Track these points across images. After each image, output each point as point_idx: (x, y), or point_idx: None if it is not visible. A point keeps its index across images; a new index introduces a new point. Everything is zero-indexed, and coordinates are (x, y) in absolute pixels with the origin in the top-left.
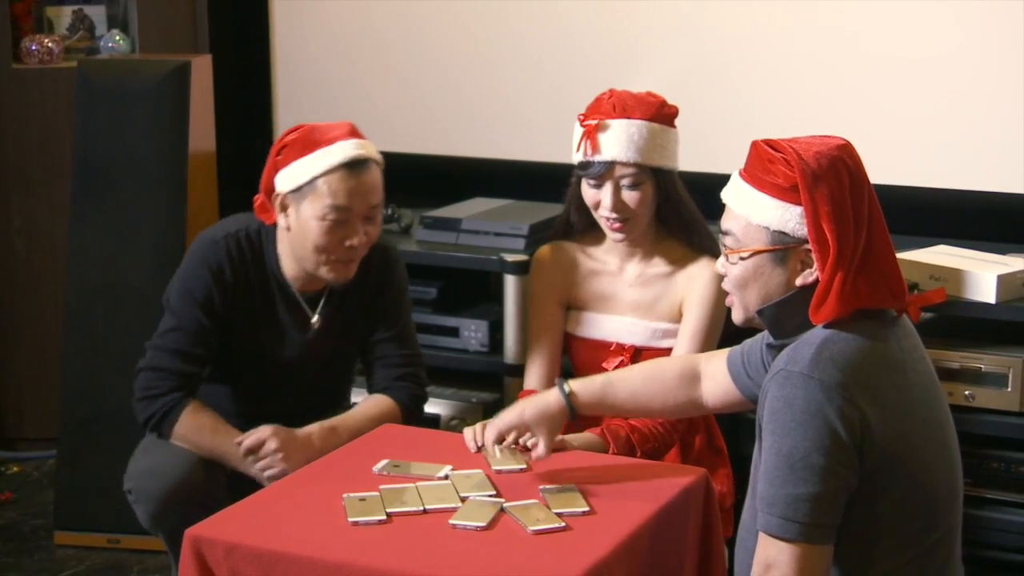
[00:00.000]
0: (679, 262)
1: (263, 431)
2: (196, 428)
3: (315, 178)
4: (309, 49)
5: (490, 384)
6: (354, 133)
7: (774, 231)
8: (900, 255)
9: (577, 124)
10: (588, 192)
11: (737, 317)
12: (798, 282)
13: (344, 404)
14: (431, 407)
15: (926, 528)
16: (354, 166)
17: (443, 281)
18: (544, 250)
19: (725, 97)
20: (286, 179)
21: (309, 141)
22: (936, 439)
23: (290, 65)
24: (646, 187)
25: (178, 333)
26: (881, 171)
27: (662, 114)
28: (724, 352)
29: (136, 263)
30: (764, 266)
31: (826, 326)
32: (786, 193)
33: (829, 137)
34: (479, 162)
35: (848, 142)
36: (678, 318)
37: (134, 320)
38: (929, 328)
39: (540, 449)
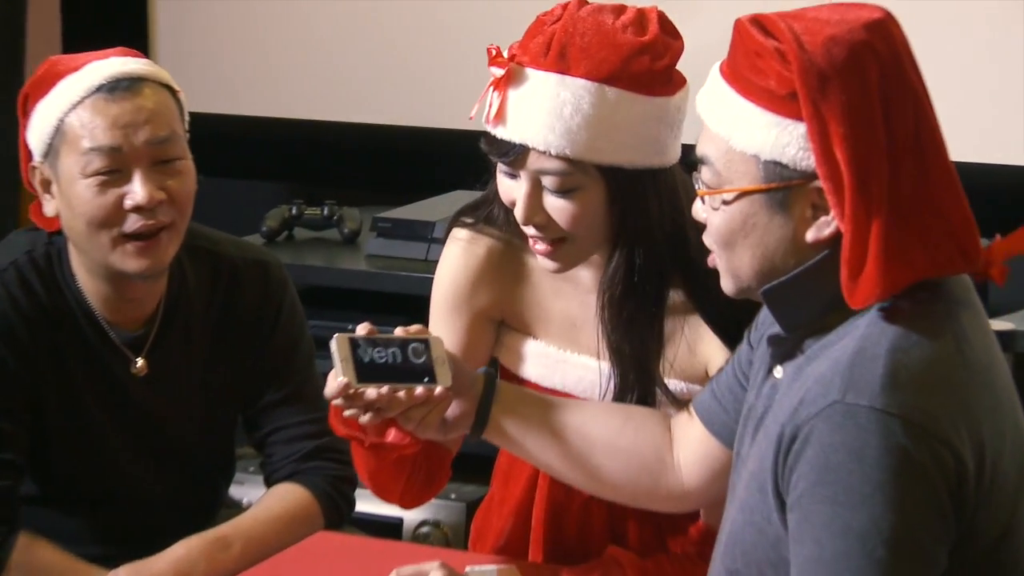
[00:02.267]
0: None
1: None
2: (36, 574)
3: (62, 119)
4: None
5: (479, 470)
6: (124, 53)
7: (767, 161)
8: None
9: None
10: (502, 181)
11: (727, 286)
12: (809, 236)
13: (221, 500)
14: (393, 510)
15: None
16: (115, 88)
17: (407, 316)
18: (467, 235)
19: None
20: (35, 138)
21: (52, 75)
22: (1020, 460)
23: None
24: (585, 195)
25: None
26: None
27: (634, 70)
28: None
29: None
30: (756, 213)
31: (886, 317)
32: (783, 103)
33: (856, 6)
34: (456, 137)
35: (887, 14)
36: (690, 374)
37: None
38: None
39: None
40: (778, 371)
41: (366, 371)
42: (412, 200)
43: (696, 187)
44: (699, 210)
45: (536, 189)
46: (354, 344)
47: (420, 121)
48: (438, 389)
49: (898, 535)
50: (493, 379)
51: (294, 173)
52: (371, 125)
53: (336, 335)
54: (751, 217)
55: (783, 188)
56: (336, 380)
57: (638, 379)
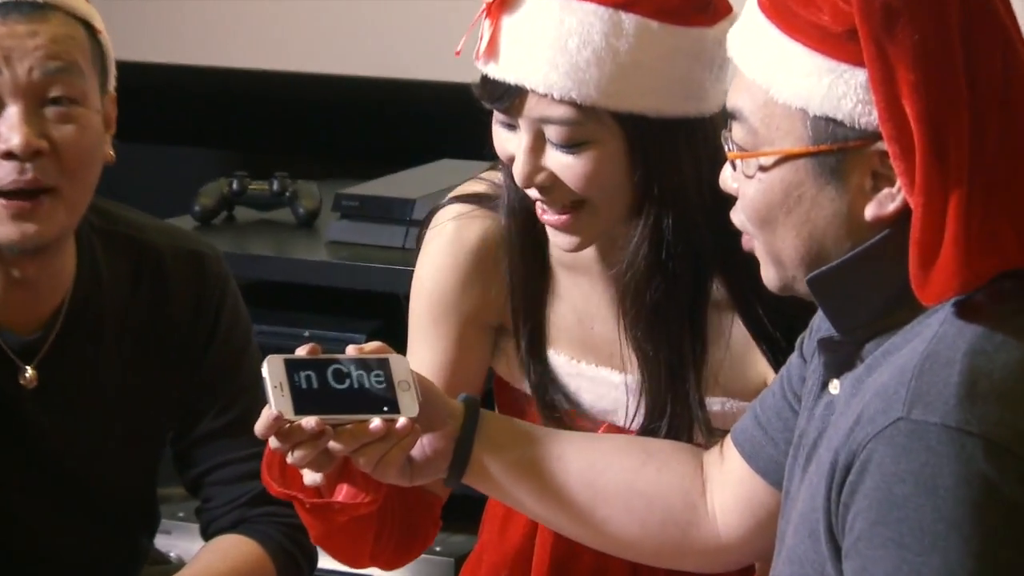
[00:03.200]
0: None
1: None
2: None
3: None
4: None
5: (471, 516)
6: None
7: (817, 117)
8: None
9: None
10: (497, 134)
11: (769, 278)
12: (868, 213)
13: (143, 555)
14: None
15: None
16: (11, 11)
17: (382, 319)
18: (455, 221)
19: None
20: None
21: None
22: None
23: None
24: (599, 150)
25: None
26: None
27: None
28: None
29: None
30: (803, 183)
31: (964, 313)
32: (839, 44)
33: None
34: (443, 91)
35: None
36: (739, 389)
37: None
38: None
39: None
40: (834, 386)
41: (306, 400)
42: (385, 172)
43: (726, 149)
44: (728, 178)
45: (538, 142)
46: (291, 367)
47: (396, 71)
48: (400, 420)
49: None
50: (476, 410)
51: (235, 138)
52: (333, 76)
53: (268, 357)
54: (795, 188)
55: (837, 151)
56: (267, 412)
57: (669, 390)
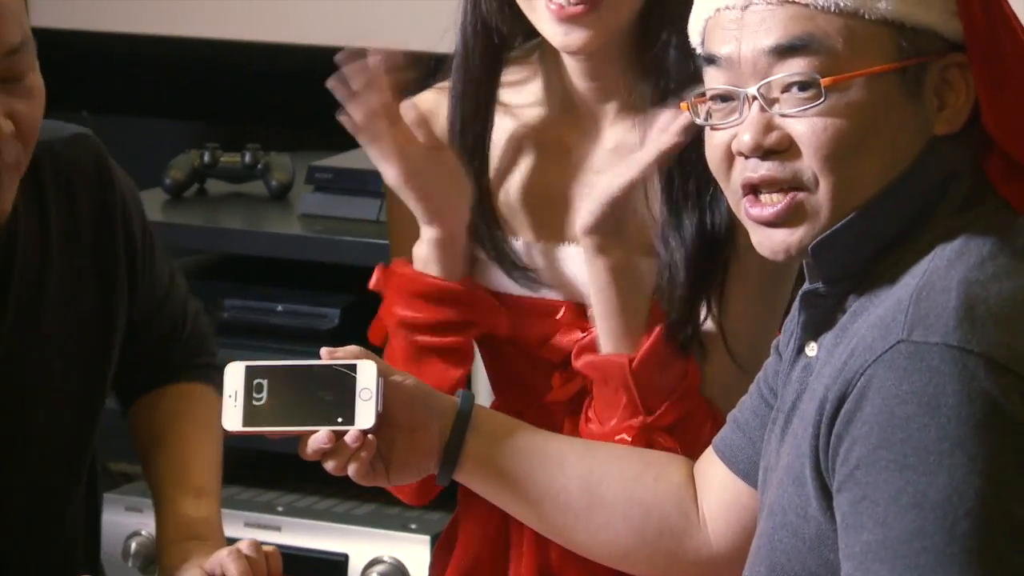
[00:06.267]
0: None
1: None
2: None
3: None
4: None
5: (449, 492)
6: None
7: (911, 28)
8: None
9: None
10: None
11: (792, 239)
12: (940, 129)
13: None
14: (334, 544)
15: None
16: None
17: (353, 295)
18: (412, 100)
19: None
20: None
21: None
22: None
23: None
24: None
25: None
26: None
27: None
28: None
29: None
30: (892, 105)
31: (955, 251)
32: None
33: None
34: (419, 61)
35: None
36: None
37: None
38: None
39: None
40: (811, 348)
41: (260, 410)
42: (358, 144)
43: (773, 96)
44: (758, 131)
45: None
46: (251, 374)
47: (371, 41)
48: (350, 432)
49: (985, 504)
50: (467, 408)
51: (206, 109)
52: (305, 47)
53: (229, 364)
54: (882, 112)
55: (922, 64)
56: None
57: (699, 248)
